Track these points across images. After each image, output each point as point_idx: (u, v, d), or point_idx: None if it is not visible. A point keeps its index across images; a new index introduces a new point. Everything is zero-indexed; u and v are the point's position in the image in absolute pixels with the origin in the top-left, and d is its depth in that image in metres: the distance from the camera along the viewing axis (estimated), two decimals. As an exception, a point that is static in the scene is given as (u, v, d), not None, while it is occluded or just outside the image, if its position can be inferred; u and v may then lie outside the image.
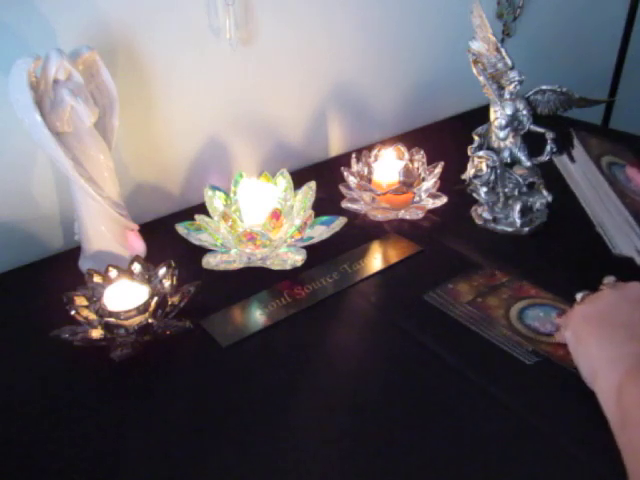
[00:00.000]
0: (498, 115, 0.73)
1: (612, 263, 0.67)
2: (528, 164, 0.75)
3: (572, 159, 0.70)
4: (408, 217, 0.81)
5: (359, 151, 0.86)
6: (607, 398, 0.46)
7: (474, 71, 0.74)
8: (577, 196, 0.68)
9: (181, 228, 0.73)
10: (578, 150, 0.69)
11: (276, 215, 0.69)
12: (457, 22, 1.07)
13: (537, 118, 0.75)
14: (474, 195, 0.79)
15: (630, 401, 0.43)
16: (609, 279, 0.57)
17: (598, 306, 0.52)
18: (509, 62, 0.71)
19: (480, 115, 0.80)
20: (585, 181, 0.67)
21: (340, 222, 0.75)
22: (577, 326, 0.52)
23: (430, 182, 0.82)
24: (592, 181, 0.66)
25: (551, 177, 0.76)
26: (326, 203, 0.80)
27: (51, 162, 0.73)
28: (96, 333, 0.58)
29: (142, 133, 0.81)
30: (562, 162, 0.69)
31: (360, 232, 0.79)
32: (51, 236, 0.78)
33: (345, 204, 0.84)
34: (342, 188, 0.85)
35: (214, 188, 0.75)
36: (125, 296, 0.59)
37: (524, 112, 0.73)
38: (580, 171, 0.68)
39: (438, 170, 0.82)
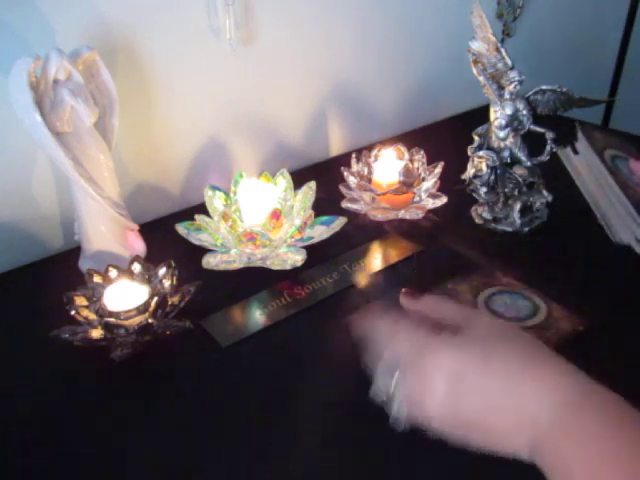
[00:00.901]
0: (498, 115, 0.73)
1: (611, 263, 0.67)
2: (528, 164, 0.75)
3: (575, 151, 0.70)
4: (408, 217, 0.81)
5: (359, 151, 0.86)
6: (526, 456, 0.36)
7: (474, 71, 0.74)
8: (580, 187, 0.68)
9: (181, 228, 0.73)
10: (582, 143, 0.69)
11: (276, 215, 0.69)
12: (457, 22, 1.07)
13: (537, 118, 0.75)
14: (474, 195, 0.79)
15: (568, 457, 0.33)
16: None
17: (483, 349, 0.38)
18: (509, 62, 0.71)
19: (480, 115, 0.80)
20: (588, 173, 0.68)
21: (340, 222, 0.75)
22: (459, 375, 0.37)
23: (430, 182, 0.82)
24: (595, 173, 0.67)
25: (551, 177, 0.76)
26: (326, 203, 0.80)
27: (51, 162, 0.73)
28: (96, 333, 0.58)
29: (142, 133, 0.81)
30: (566, 154, 0.69)
31: (360, 232, 0.79)
32: (51, 236, 0.78)
33: (345, 204, 0.84)
34: (342, 188, 0.85)
35: (214, 188, 0.75)
36: (125, 296, 0.59)
37: (524, 112, 0.73)
38: (584, 163, 0.68)
39: (438, 170, 0.82)
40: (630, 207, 0.62)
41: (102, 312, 0.59)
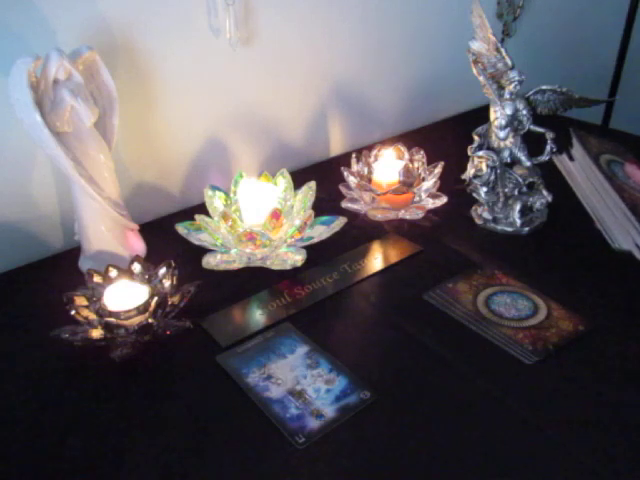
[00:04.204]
0: (498, 115, 0.73)
1: (611, 262, 0.67)
2: (528, 164, 0.75)
3: (571, 157, 0.70)
4: (408, 217, 0.81)
5: (359, 151, 0.86)
6: None
7: (474, 71, 0.74)
8: (576, 193, 0.68)
9: (181, 228, 0.73)
10: (577, 149, 0.70)
11: (276, 215, 0.69)
12: (457, 22, 1.07)
13: (537, 118, 0.75)
14: (474, 195, 0.79)
15: None
16: None
17: None
18: (509, 62, 0.71)
19: (480, 115, 0.80)
20: (584, 178, 0.68)
21: (340, 222, 0.75)
22: None
23: (430, 182, 0.82)
24: (591, 178, 0.67)
25: (551, 177, 0.76)
26: (326, 203, 0.80)
27: (51, 162, 0.73)
28: (96, 333, 0.58)
29: (142, 133, 0.81)
30: (561, 160, 0.70)
31: (360, 232, 0.79)
32: (51, 236, 0.78)
33: (345, 204, 0.84)
34: (342, 188, 0.85)
35: (214, 188, 0.75)
36: (125, 296, 0.59)
37: (524, 112, 0.73)
38: (579, 169, 0.68)
39: (438, 170, 0.82)
40: (628, 212, 0.62)
41: (102, 312, 0.59)
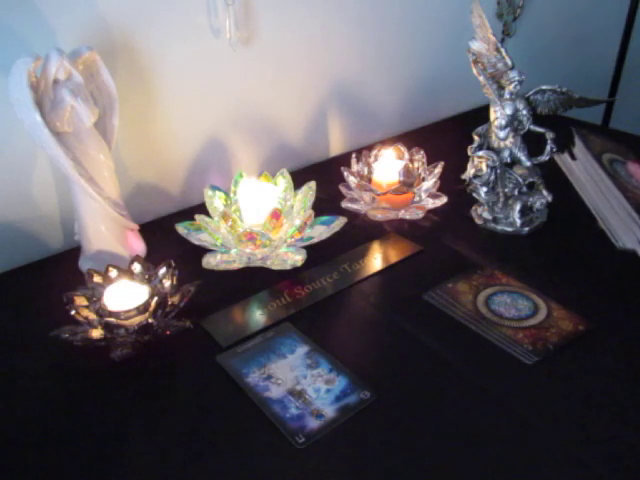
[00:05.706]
0: (498, 115, 0.73)
1: (610, 262, 0.67)
2: (528, 164, 0.75)
3: (573, 157, 0.70)
4: (408, 217, 0.81)
5: (359, 151, 0.86)
6: None
7: (474, 71, 0.74)
8: (579, 193, 0.68)
9: (181, 228, 0.73)
10: (579, 148, 0.70)
11: (276, 215, 0.69)
12: (457, 22, 1.07)
13: (537, 118, 0.75)
14: (474, 195, 0.79)
15: None
16: None
17: None
18: (509, 62, 0.71)
19: (480, 115, 0.80)
20: (587, 177, 0.68)
21: (340, 222, 0.75)
22: None
23: (430, 182, 0.82)
24: (594, 177, 0.67)
25: (551, 177, 0.76)
26: (326, 203, 0.80)
27: (51, 162, 0.73)
28: (96, 333, 0.58)
29: (142, 133, 0.81)
30: (563, 160, 0.70)
31: (360, 232, 0.79)
32: (51, 236, 0.78)
33: (345, 204, 0.84)
34: (342, 188, 0.85)
35: (214, 188, 0.75)
36: (125, 296, 0.59)
37: (524, 112, 0.73)
38: (582, 168, 0.68)
39: (438, 170, 0.82)
40: (632, 211, 0.62)
41: (102, 312, 0.59)
